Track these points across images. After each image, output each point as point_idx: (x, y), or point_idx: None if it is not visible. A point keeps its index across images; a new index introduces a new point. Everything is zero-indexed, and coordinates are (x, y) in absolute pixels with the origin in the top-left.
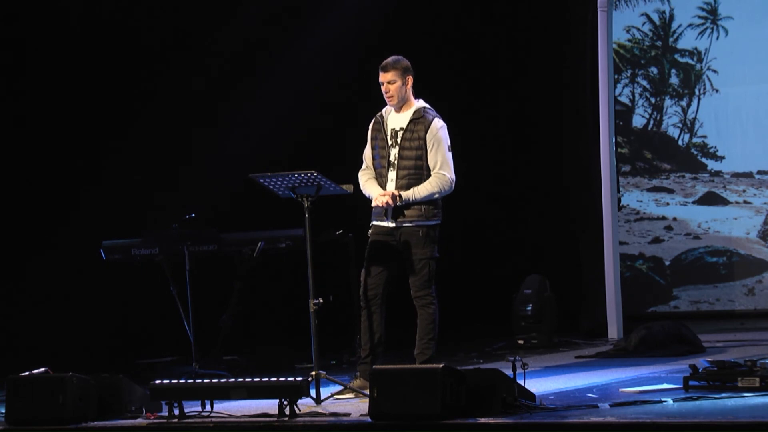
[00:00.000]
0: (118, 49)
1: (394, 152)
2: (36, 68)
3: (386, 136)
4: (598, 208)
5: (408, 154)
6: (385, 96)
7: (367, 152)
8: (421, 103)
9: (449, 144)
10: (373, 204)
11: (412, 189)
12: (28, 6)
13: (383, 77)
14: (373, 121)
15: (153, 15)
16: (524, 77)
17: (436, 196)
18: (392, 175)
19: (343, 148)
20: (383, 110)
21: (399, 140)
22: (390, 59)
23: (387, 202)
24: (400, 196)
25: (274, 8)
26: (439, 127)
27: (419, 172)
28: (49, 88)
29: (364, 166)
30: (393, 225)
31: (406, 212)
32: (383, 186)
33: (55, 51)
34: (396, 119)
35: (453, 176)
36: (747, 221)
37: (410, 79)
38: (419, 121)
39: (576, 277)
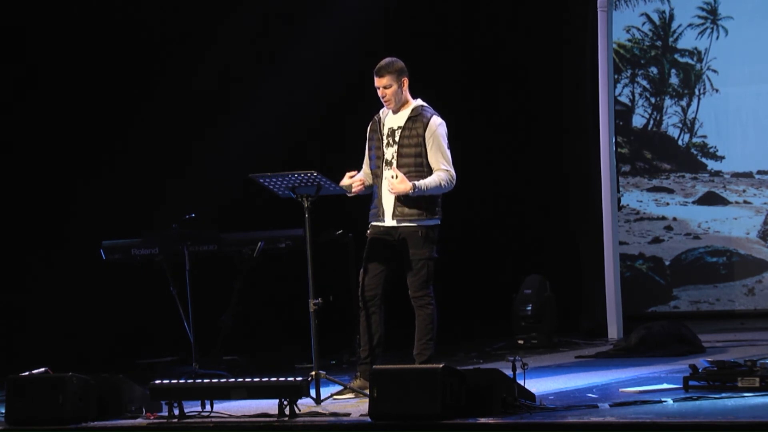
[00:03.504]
0: (119, 49)
1: (391, 151)
2: (37, 68)
3: (382, 136)
4: (598, 208)
5: (407, 151)
6: (382, 100)
7: (366, 159)
8: (418, 101)
9: (447, 142)
10: (392, 190)
11: (422, 180)
12: (30, 4)
13: (378, 82)
14: (370, 122)
15: (154, 14)
16: (524, 77)
17: (443, 190)
18: (389, 173)
19: (343, 148)
20: (381, 111)
21: (397, 138)
22: (383, 63)
23: (404, 190)
24: (414, 184)
25: (275, 8)
26: (437, 124)
27: (420, 169)
28: (50, 87)
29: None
30: (393, 224)
31: (407, 211)
32: (380, 186)
33: (56, 50)
34: (393, 119)
35: (454, 172)
36: (747, 221)
37: (406, 81)
38: (417, 118)
39: (576, 277)
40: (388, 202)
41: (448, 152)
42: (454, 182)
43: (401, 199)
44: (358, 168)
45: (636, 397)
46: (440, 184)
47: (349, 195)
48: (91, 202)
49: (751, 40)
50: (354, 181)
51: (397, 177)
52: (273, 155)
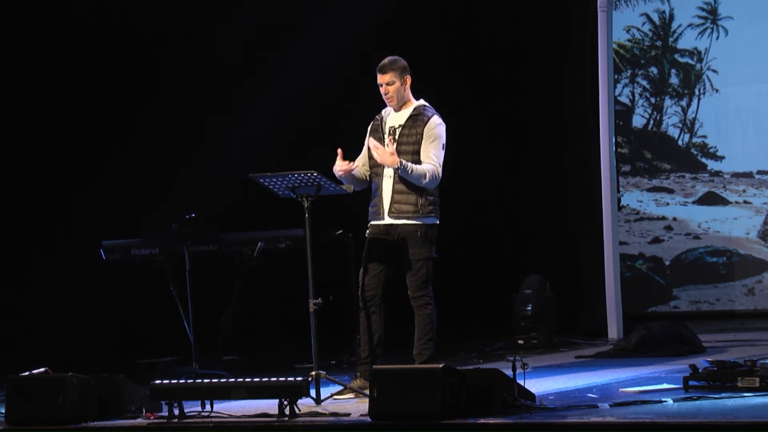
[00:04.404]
0: (119, 49)
1: (391, 149)
2: (36, 67)
3: (383, 134)
4: (598, 208)
5: (405, 149)
6: (384, 98)
7: (362, 153)
8: (421, 101)
9: (444, 143)
10: (379, 158)
11: (410, 163)
12: (29, 6)
13: (381, 79)
14: (372, 121)
15: (154, 15)
16: (524, 77)
17: (425, 181)
18: (389, 171)
19: (342, 148)
20: (383, 111)
21: (397, 137)
22: (386, 60)
23: (388, 152)
24: (401, 161)
25: (275, 8)
26: (437, 123)
27: None
28: (49, 87)
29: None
30: (390, 221)
31: (403, 207)
32: (380, 184)
33: (55, 50)
34: (395, 117)
35: (441, 172)
36: (747, 221)
37: (408, 79)
38: (418, 117)
39: (576, 277)
40: (386, 201)
41: (442, 152)
42: (438, 181)
43: (397, 196)
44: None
45: (636, 397)
46: (425, 174)
47: (350, 191)
48: (92, 202)
49: (751, 40)
50: (343, 163)
51: (388, 147)
52: (273, 155)
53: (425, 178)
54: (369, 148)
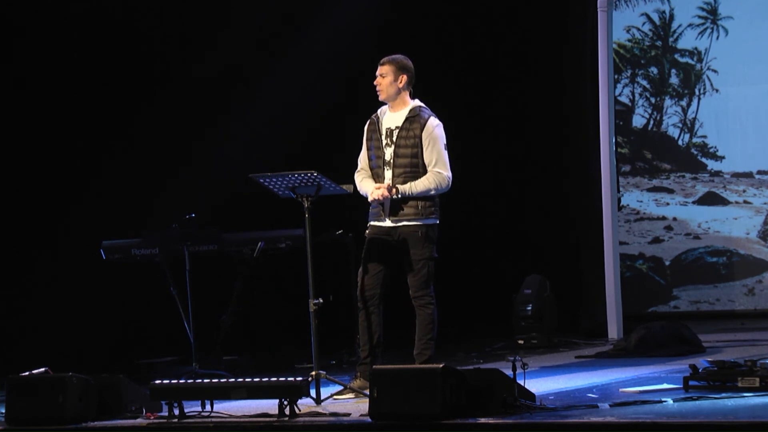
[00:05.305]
0: (120, 48)
1: (389, 151)
2: (36, 67)
3: (381, 136)
4: (598, 208)
5: (404, 152)
6: (376, 89)
7: (362, 155)
8: (416, 102)
9: (445, 142)
10: (370, 199)
11: (408, 183)
12: (30, 3)
13: (378, 70)
14: (368, 122)
15: (155, 14)
16: (524, 77)
17: (432, 192)
18: (389, 174)
19: (343, 148)
20: (378, 111)
21: (394, 139)
22: (392, 55)
23: (383, 195)
24: (396, 188)
25: (275, 8)
26: (434, 125)
27: (415, 170)
28: (49, 87)
29: (359, 168)
30: (391, 224)
31: (403, 210)
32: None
33: (55, 50)
34: (391, 119)
35: (450, 174)
36: (747, 221)
37: (404, 78)
38: (414, 119)
39: (576, 277)
40: (387, 203)
41: (445, 153)
42: (449, 183)
43: (397, 199)
44: (354, 165)
45: (636, 397)
46: (429, 187)
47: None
48: (91, 202)
49: (751, 40)
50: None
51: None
52: (273, 155)
53: (432, 190)
54: (368, 149)
